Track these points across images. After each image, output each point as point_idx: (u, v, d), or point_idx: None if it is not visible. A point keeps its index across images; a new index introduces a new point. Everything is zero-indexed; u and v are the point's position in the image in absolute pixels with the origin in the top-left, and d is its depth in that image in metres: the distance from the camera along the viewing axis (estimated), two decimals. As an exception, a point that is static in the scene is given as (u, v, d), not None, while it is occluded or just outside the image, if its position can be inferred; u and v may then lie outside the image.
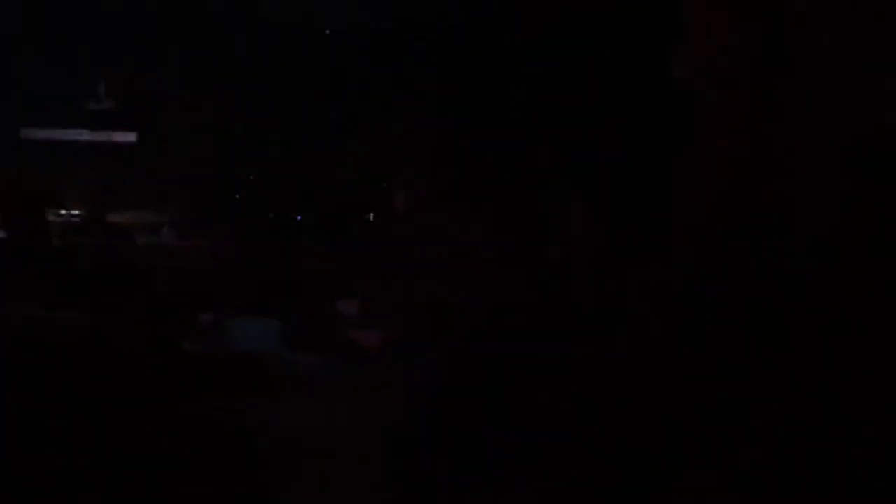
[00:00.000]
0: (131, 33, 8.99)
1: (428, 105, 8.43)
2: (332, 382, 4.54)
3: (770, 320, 3.47)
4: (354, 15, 8.67)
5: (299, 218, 8.19)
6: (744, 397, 3.25)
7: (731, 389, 3.24)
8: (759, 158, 4.18)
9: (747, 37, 4.36)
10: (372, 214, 7.78)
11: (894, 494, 2.89)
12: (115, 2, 8.64)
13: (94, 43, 8.90)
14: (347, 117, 8.68)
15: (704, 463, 3.07)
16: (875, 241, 3.73)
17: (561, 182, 5.23)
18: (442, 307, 3.96)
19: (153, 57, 8.96)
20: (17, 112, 9.12)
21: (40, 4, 8.71)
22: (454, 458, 3.02)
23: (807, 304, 3.49)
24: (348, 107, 8.76)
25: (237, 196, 8.60)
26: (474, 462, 3.01)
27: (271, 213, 8.07)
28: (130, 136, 8.83)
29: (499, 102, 7.46)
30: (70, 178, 8.70)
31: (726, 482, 3.00)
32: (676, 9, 4.83)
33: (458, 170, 7.58)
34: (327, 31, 9.19)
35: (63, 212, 8.14)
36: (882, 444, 3.11)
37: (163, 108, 9.08)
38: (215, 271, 5.24)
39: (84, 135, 8.84)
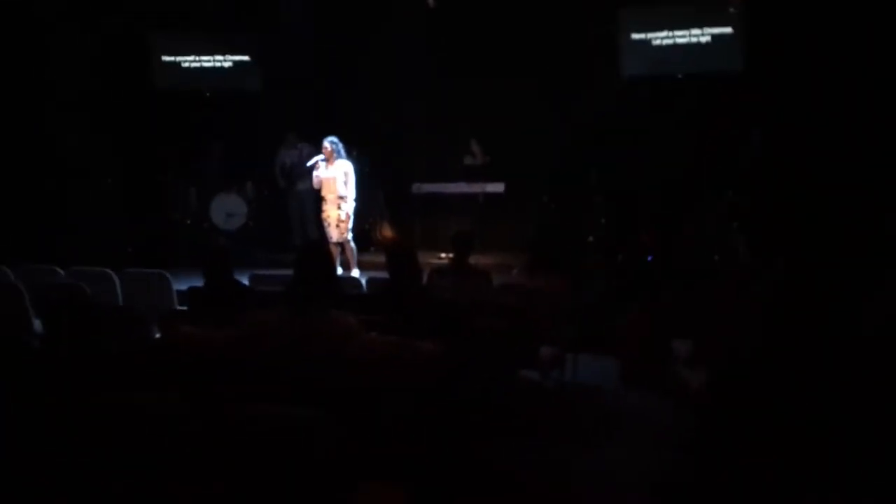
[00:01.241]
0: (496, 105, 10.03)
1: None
2: (661, 418, 4.67)
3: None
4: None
5: (650, 258, 8.38)
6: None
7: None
8: None
9: None
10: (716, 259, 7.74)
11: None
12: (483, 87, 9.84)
13: (468, 114, 10.17)
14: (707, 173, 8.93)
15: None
16: None
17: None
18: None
19: (515, 119, 9.92)
20: (407, 170, 10.65)
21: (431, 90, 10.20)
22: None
23: None
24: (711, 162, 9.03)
25: (589, 239, 9.07)
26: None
27: (619, 255, 8.39)
28: (499, 187, 9.79)
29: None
30: (446, 225, 9.85)
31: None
32: None
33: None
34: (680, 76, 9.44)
35: (442, 255, 9.25)
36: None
37: (524, 162, 9.96)
38: (558, 309, 5.66)
39: (462, 187, 10.00)
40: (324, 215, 8.52)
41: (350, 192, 8.44)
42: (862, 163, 8.09)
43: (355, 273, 8.50)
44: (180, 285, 6.22)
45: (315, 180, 8.48)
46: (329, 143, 8.39)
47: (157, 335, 4.23)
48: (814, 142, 8.53)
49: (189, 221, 10.44)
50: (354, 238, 8.69)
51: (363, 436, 2.91)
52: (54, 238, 8.64)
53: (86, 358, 3.55)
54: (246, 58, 10.85)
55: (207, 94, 10.90)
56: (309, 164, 8.51)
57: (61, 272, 6.22)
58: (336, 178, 8.40)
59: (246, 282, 5.91)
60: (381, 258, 5.06)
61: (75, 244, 8.53)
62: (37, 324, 5.29)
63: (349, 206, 8.50)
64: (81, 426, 3.09)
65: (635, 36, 9.78)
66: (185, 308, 5.22)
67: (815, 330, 3.38)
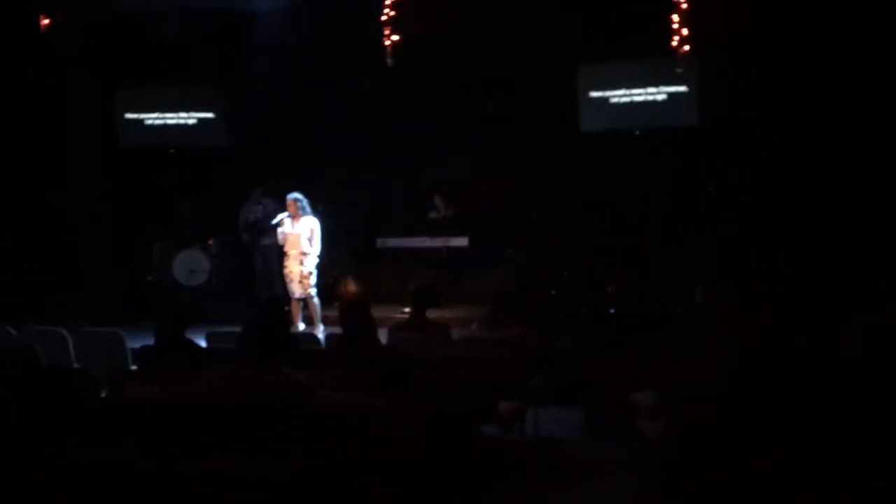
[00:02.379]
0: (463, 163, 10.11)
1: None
2: (625, 468, 4.59)
3: None
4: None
5: (612, 311, 8.37)
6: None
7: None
8: None
9: None
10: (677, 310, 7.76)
11: None
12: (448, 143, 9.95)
13: (431, 170, 10.23)
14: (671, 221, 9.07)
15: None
16: None
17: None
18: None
19: (481, 176, 10.00)
20: (372, 225, 10.62)
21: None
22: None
23: None
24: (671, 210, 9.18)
25: (552, 291, 9.06)
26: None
27: (583, 307, 8.39)
28: (463, 241, 9.80)
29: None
30: (410, 279, 9.79)
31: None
32: None
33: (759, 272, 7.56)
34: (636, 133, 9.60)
35: (406, 310, 9.17)
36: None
37: (488, 215, 10.00)
38: (519, 362, 5.59)
39: (426, 241, 9.99)
40: (286, 271, 8.49)
41: (314, 248, 8.42)
42: (819, 210, 8.25)
43: (319, 329, 8.40)
44: (138, 343, 6.08)
45: (280, 236, 8.46)
46: (293, 199, 8.38)
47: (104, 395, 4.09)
48: (771, 190, 8.71)
49: (150, 278, 10.28)
50: (320, 293, 8.61)
51: (313, 492, 2.82)
52: (8, 295, 8.45)
53: (33, 420, 3.43)
54: (210, 115, 10.83)
55: (171, 152, 10.84)
56: (274, 221, 8.50)
57: (13, 332, 6.04)
58: (301, 234, 8.39)
59: (202, 340, 5.79)
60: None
61: (29, 300, 8.37)
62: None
63: (311, 262, 8.46)
64: (27, 487, 2.98)
65: (594, 94, 9.93)
66: (135, 368, 5.08)
67: (786, 375, 3.35)
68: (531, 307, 6.58)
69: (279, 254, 9.29)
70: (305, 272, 8.41)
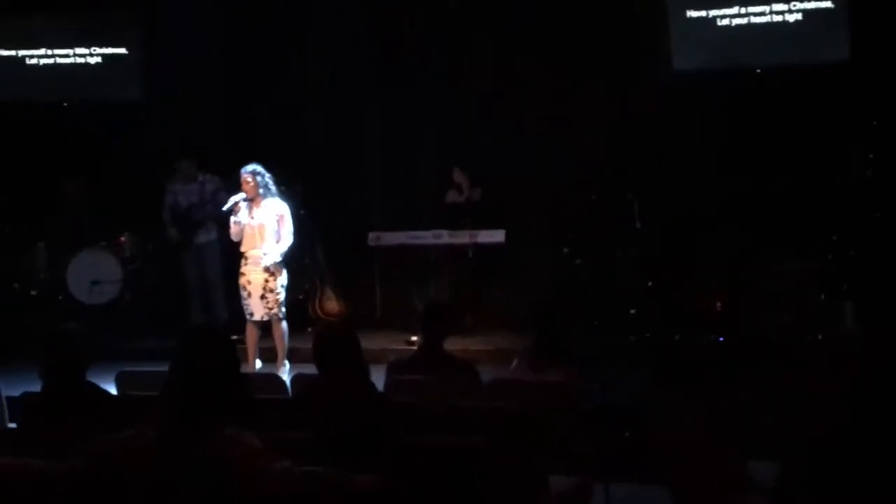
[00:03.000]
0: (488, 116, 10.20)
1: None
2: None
3: None
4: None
5: (720, 339, 8.44)
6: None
7: None
8: None
9: None
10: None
11: None
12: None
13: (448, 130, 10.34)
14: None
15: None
16: None
17: None
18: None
19: (517, 135, 10.09)
20: (359, 213, 10.69)
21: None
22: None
23: None
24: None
25: (631, 311, 9.11)
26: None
27: (675, 334, 8.44)
28: (497, 236, 9.85)
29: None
30: (417, 293, 9.86)
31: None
32: None
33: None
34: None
35: (413, 338, 9.23)
36: None
37: (533, 197, 10.06)
38: (578, 416, 5.62)
39: (441, 237, 10.04)
40: (243, 280, 8.54)
41: (284, 243, 8.47)
42: None
43: (284, 368, 8.47)
44: (15, 390, 6.16)
45: (234, 229, 8.49)
46: (251, 174, 8.42)
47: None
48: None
49: (34, 293, 10.41)
50: (286, 315, 8.67)
51: None
52: None
53: None
54: (122, 50, 10.94)
55: (65, 105, 10.96)
56: (226, 206, 8.53)
57: None
58: (265, 224, 8.44)
59: (112, 384, 5.87)
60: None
61: None
62: None
63: (282, 268, 8.50)
64: None
65: (692, 14, 9.95)
66: (13, 426, 5.17)
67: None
68: (596, 336, 6.63)
69: (226, 256, 9.38)
70: (274, 282, 8.46)
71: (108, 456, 3.34)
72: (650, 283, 9.22)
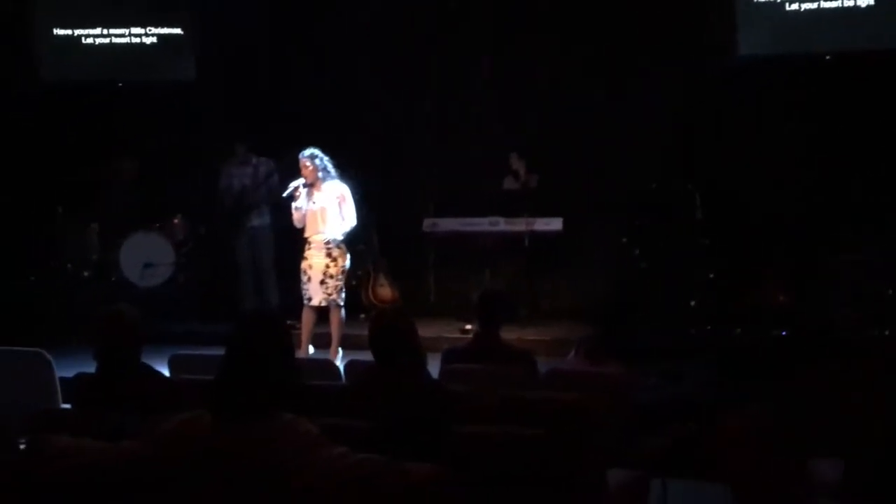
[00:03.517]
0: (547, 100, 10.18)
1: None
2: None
3: None
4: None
5: (783, 334, 8.38)
6: None
7: None
8: None
9: None
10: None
11: None
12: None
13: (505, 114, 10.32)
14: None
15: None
16: None
17: None
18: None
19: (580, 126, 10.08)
20: (415, 199, 10.71)
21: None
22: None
23: None
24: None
25: (691, 302, 9.06)
26: None
27: (737, 327, 8.39)
28: (555, 224, 9.82)
29: None
30: (472, 281, 9.87)
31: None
32: None
33: None
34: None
35: (467, 326, 9.26)
36: None
37: (592, 185, 10.05)
38: (636, 409, 5.61)
39: (497, 224, 10.04)
40: (304, 264, 8.59)
41: (348, 223, 8.55)
42: None
43: (338, 355, 8.52)
44: (69, 371, 6.25)
45: (296, 215, 8.53)
46: (309, 158, 8.45)
47: (22, 446, 4.24)
48: None
49: (87, 274, 10.55)
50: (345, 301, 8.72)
51: None
52: None
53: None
54: (177, 30, 11.04)
55: (120, 85, 11.08)
56: (286, 193, 8.57)
57: None
58: (326, 208, 8.47)
59: (164, 367, 5.94)
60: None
61: None
62: None
63: (345, 253, 8.56)
64: None
65: (759, -2, 9.87)
66: (68, 406, 5.24)
67: None
68: (658, 328, 6.61)
69: (276, 240, 9.44)
70: (334, 268, 8.50)
71: (165, 438, 3.39)
72: (711, 276, 9.16)
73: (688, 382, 6.92)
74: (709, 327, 8.70)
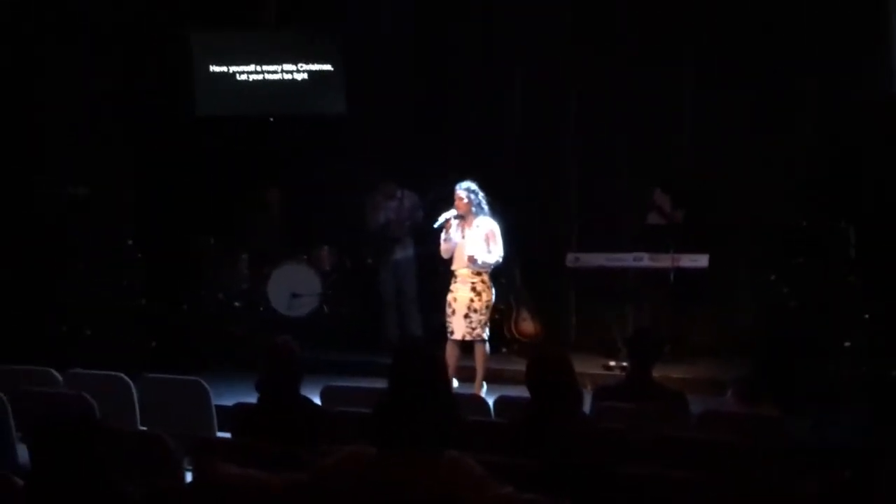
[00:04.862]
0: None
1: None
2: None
3: None
4: None
5: None
6: None
7: None
8: None
9: None
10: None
11: None
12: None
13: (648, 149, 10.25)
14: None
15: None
16: None
17: None
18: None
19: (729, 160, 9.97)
20: (557, 233, 10.68)
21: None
22: None
23: None
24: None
25: (845, 343, 8.81)
26: None
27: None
28: (701, 260, 9.67)
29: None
30: (616, 317, 9.78)
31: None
32: None
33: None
34: None
35: (612, 363, 9.20)
36: None
37: (740, 220, 9.89)
38: (792, 454, 5.48)
39: (642, 259, 9.93)
40: (450, 297, 8.61)
41: (494, 255, 8.51)
42: None
43: (481, 388, 8.51)
44: (223, 399, 6.38)
45: (444, 246, 8.57)
46: (465, 191, 8.47)
47: (189, 475, 4.34)
48: None
49: (238, 304, 10.78)
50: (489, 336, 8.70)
51: None
52: (49, 328, 9.03)
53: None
54: (328, 67, 11.24)
55: (272, 120, 11.34)
56: (437, 223, 8.59)
57: (58, 377, 6.50)
58: (475, 243, 8.48)
59: (316, 397, 6.02)
60: (516, 366, 5.05)
61: (77, 337, 8.89)
62: (22, 451, 5.52)
63: (490, 288, 8.57)
64: None
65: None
66: (227, 436, 5.34)
67: None
68: (811, 369, 6.47)
69: (420, 272, 9.50)
70: (479, 302, 8.50)
71: (331, 471, 3.42)
72: (867, 315, 8.90)
73: (843, 426, 6.73)
74: (864, 369, 8.45)
